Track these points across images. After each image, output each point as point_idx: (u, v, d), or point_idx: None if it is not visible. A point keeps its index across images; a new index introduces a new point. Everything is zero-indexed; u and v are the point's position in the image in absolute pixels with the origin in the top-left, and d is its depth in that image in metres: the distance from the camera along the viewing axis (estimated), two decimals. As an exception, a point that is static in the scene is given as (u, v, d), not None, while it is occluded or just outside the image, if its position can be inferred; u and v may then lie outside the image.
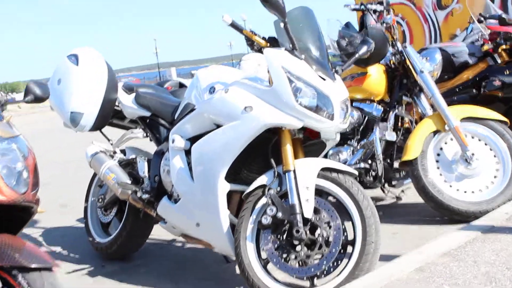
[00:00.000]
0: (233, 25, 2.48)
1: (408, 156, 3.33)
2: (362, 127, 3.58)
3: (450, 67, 4.20)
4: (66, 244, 3.79)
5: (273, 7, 2.33)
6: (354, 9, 3.40)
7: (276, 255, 2.37)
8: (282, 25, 2.39)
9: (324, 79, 2.43)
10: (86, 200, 3.58)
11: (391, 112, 3.52)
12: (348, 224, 2.36)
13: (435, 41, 7.95)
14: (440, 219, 3.33)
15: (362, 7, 3.39)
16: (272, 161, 2.48)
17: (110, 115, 3.27)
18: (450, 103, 4.17)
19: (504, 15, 3.96)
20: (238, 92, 2.47)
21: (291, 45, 2.43)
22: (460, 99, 4.12)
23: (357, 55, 2.76)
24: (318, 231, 2.34)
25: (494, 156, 3.38)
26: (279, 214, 2.34)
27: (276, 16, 2.37)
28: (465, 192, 3.32)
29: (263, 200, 2.42)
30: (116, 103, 3.26)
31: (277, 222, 2.36)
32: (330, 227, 2.34)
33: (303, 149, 2.61)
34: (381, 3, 3.45)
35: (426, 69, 3.46)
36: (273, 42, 2.55)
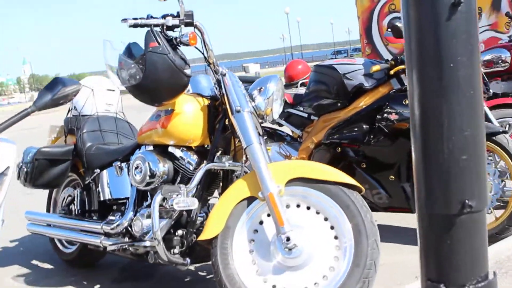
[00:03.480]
0: None
1: (204, 234, 2.33)
2: (176, 183, 2.62)
3: (343, 92, 3.09)
4: None
5: None
6: (132, 26, 2.39)
7: None
8: None
9: None
10: None
11: (203, 164, 2.52)
12: None
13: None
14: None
15: (148, 21, 2.38)
16: None
17: None
18: (339, 141, 3.09)
19: (399, 23, 2.78)
20: None
21: None
22: (351, 136, 3.02)
23: (34, 107, 1.81)
24: None
25: (335, 237, 2.30)
26: None
27: None
28: (284, 290, 2.29)
29: None
30: None
31: None
32: None
33: None
34: (177, 15, 2.41)
35: (246, 107, 2.41)
36: None
